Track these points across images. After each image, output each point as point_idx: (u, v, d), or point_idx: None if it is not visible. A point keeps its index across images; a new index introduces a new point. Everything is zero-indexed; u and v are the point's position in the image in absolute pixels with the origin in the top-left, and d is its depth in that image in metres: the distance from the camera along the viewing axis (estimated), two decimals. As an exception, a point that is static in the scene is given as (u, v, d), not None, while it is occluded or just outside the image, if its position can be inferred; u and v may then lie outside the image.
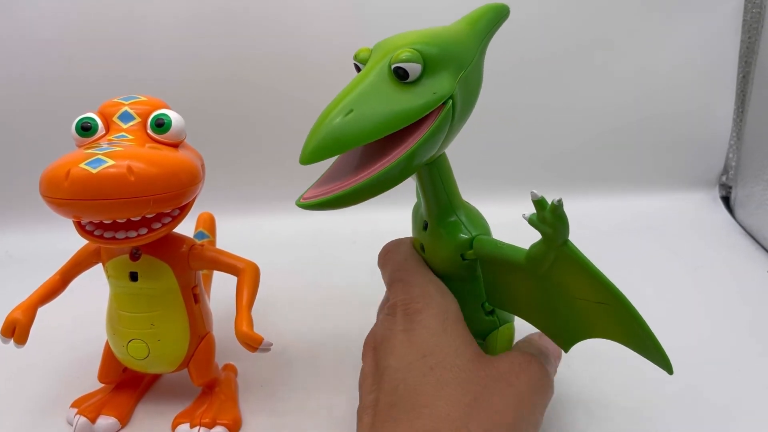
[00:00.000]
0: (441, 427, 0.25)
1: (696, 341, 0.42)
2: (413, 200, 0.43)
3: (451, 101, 0.26)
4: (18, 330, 0.33)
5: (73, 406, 0.36)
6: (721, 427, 0.34)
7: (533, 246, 0.27)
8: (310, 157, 0.24)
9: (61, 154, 0.28)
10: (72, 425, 0.35)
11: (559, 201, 0.24)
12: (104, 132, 0.31)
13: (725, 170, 0.71)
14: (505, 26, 0.31)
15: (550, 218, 0.25)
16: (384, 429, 0.26)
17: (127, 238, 0.30)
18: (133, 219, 0.30)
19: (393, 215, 0.55)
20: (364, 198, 0.25)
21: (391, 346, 0.29)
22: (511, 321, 0.34)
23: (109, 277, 0.34)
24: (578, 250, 0.26)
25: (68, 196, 0.27)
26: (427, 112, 0.25)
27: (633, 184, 0.70)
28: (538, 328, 0.32)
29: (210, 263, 0.35)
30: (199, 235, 0.45)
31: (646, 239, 0.61)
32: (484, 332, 0.34)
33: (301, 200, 0.25)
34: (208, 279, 0.45)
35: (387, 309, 0.31)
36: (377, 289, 0.35)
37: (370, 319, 0.35)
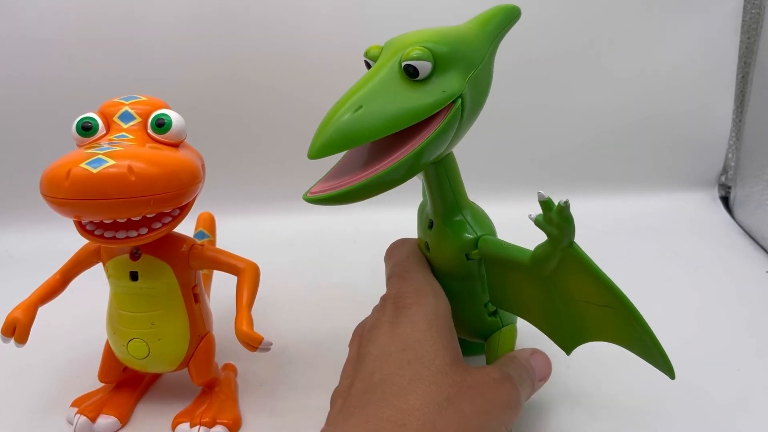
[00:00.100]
0: (408, 420, 0.25)
1: (695, 341, 0.42)
2: (415, 200, 0.43)
3: (460, 100, 0.26)
4: (18, 329, 0.33)
5: (73, 405, 0.37)
6: (721, 426, 0.34)
7: (538, 247, 0.27)
8: (318, 152, 0.24)
9: (61, 154, 0.28)
10: (72, 424, 0.35)
11: (566, 202, 0.24)
12: (105, 132, 0.31)
13: (724, 170, 0.71)
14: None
15: (556, 219, 0.25)
16: (352, 413, 0.26)
17: (127, 237, 0.30)
18: (133, 219, 0.30)
19: (394, 215, 0.55)
20: (371, 194, 0.25)
21: (375, 335, 0.29)
22: (514, 322, 0.34)
23: (109, 276, 0.34)
24: (584, 252, 0.26)
25: (69, 195, 0.27)
26: (436, 111, 0.25)
27: (632, 184, 0.70)
28: (540, 329, 0.32)
29: (210, 263, 0.35)
30: (199, 234, 0.45)
31: (646, 239, 0.61)
32: (487, 333, 0.34)
33: (308, 194, 0.26)
34: (208, 279, 0.45)
35: (380, 300, 0.32)
36: (377, 288, 0.35)
37: (370, 318, 0.35)
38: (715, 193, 0.71)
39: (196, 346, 0.36)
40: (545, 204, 0.25)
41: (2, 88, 0.66)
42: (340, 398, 0.28)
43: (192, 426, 0.35)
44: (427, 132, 0.25)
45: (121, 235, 0.30)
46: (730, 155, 0.71)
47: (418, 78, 0.25)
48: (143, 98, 0.33)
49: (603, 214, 0.66)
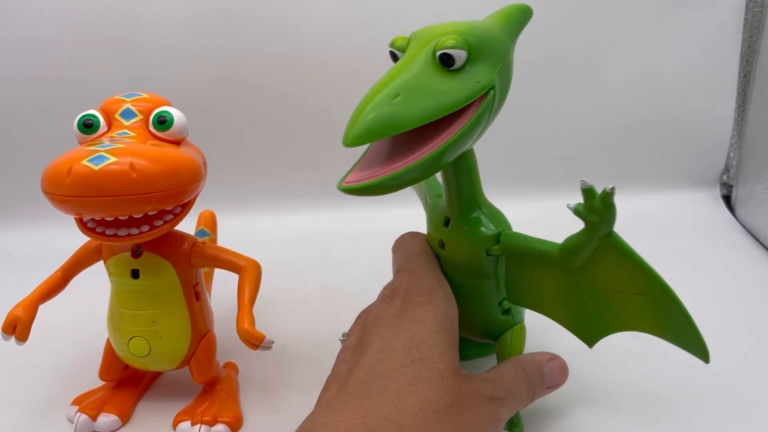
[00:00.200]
0: (405, 422, 0.24)
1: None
2: (414, 199, 0.43)
3: (492, 92, 0.26)
4: (19, 327, 0.33)
5: (74, 403, 0.36)
6: (723, 425, 0.34)
7: (571, 237, 0.27)
8: (356, 139, 0.23)
9: (61, 153, 0.28)
10: (73, 423, 0.35)
11: (612, 189, 0.24)
12: (106, 129, 0.31)
13: (726, 169, 0.71)
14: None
15: (599, 206, 0.25)
16: (350, 402, 0.25)
17: (129, 235, 0.30)
18: (135, 216, 0.30)
19: (394, 213, 0.55)
20: (406, 184, 0.25)
21: (381, 326, 0.29)
22: (522, 321, 0.34)
23: (110, 274, 0.34)
24: (623, 240, 0.26)
25: (70, 192, 0.27)
26: (472, 101, 0.25)
27: (634, 183, 0.70)
28: (561, 324, 0.32)
29: (211, 261, 0.35)
30: (200, 233, 0.45)
31: (647, 238, 0.60)
32: (498, 332, 0.33)
33: (343, 184, 0.25)
34: (209, 277, 0.45)
35: (389, 291, 0.31)
36: (378, 286, 0.35)
37: (371, 316, 0.35)
38: (717, 192, 0.71)
39: (197, 344, 0.36)
40: (588, 192, 0.25)
41: (2, 88, 0.66)
42: (336, 383, 0.28)
43: (193, 424, 0.34)
44: (462, 122, 0.25)
45: (122, 232, 0.30)
46: (731, 154, 0.71)
47: (453, 68, 0.25)
48: (145, 95, 0.33)
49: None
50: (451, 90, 0.25)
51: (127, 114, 0.32)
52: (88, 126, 0.31)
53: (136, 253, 0.33)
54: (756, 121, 0.65)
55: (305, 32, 0.66)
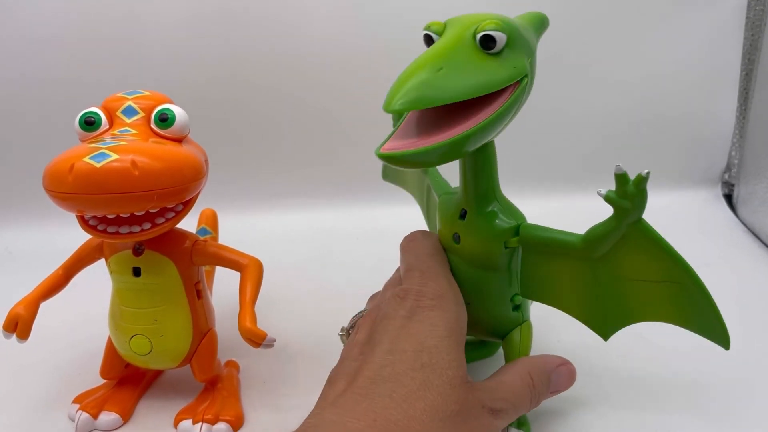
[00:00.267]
0: (412, 426, 0.24)
1: (698, 339, 0.41)
2: (414, 198, 0.44)
3: (526, 79, 0.26)
4: (20, 325, 0.33)
5: (75, 401, 0.36)
6: (724, 425, 0.34)
7: (597, 226, 0.28)
8: (400, 105, 0.23)
9: (61, 151, 0.28)
10: (74, 421, 0.35)
11: (647, 173, 0.25)
12: (108, 126, 0.31)
13: (728, 168, 0.71)
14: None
15: (633, 191, 0.26)
16: (359, 402, 0.25)
17: (130, 233, 0.30)
18: (136, 213, 0.30)
19: (395, 212, 0.55)
20: (437, 160, 0.25)
21: (391, 327, 0.29)
22: (529, 319, 0.34)
23: (111, 272, 0.34)
24: (651, 227, 0.27)
25: (72, 190, 0.27)
26: (511, 83, 0.26)
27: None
28: (577, 318, 0.32)
29: (213, 259, 0.35)
30: (201, 231, 0.45)
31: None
32: (506, 330, 0.33)
33: (381, 151, 0.25)
34: (211, 275, 0.45)
35: (399, 291, 0.30)
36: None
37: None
38: (719, 191, 0.71)
39: (199, 342, 0.36)
40: (622, 177, 0.26)
41: (2, 88, 0.66)
42: (344, 380, 0.27)
43: (194, 422, 0.34)
44: (495, 107, 0.25)
45: (124, 230, 0.30)
46: (733, 153, 0.71)
47: (492, 51, 0.25)
48: (146, 93, 0.33)
49: (606, 212, 0.65)
50: (491, 71, 0.25)
51: (129, 111, 0.31)
52: (89, 123, 0.31)
53: (137, 250, 0.33)
54: (758, 119, 0.65)
55: (305, 32, 0.66)
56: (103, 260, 0.35)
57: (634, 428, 0.34)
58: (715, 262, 0.56)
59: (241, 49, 0.66)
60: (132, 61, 0.66)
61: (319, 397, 0.28)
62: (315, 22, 0.66)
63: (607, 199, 0.27)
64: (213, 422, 0.34)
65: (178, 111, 0.32)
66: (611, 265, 0.29)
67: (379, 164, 0.45)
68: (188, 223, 0.35)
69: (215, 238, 0.46)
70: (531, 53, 0.27)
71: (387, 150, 0.25)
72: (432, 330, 0.28)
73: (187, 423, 0.35)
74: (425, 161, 0.25)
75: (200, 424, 0.34)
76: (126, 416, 0.36)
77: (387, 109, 0.24)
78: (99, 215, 0.30)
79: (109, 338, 0.36)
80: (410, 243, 0.34)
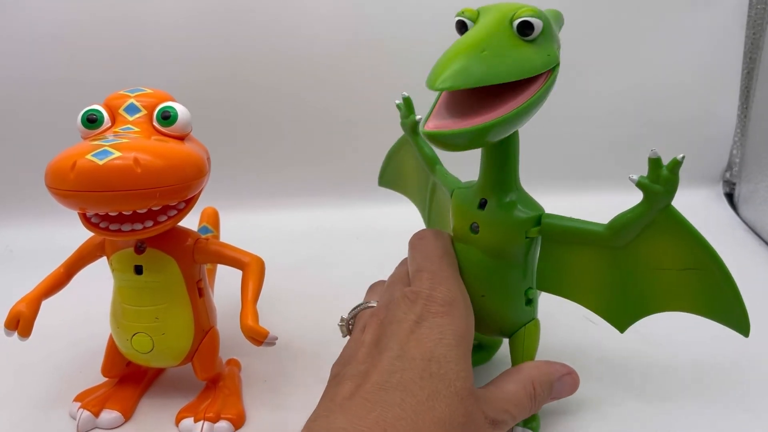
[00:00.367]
0: None
1: (699, 338, 0.41)
2: (412, 202, 0.44)
3: (557, 68, 0.27)
4: (22, 323, 0.33)
5: (76, 400, 0.36)
6: (726, 424, 0.34)
7: (624, 213, 0.28)
8: (444, 82, 0.24)
9: (62, 149, 0.28)
10: (75, 419, 0.35)
11: (682, 157, 0.26)
12: (110, 124, 0.31)
13: (729, 166, 0.71)
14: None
15: (666, 176, 0.26)
16: (370, 410, 0.25)
17: (132, 230, 0.30)
18: (138, 211, 0.30)
19: (395, 212, 0.55)
20: (469, 144, 0.25)
21: (401, 331, 0.28)
22: (536, 317, 0.34)
23: (113, 270, 0.34)
24: (680, 212, 0.27)
25: (74, 187, 0.27)
26: (545, 70, 0.26)
27: (636, 181, 0.70)
28: (593, 310, 0.32)
29: (215, 257, 0.35)
30: (202, 230, 0.45)
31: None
32: (516, 326, 0.33)
33: (425, 128, 0.25)
34: (212, 274, 0.45)
35: (409, 293, 0.30)
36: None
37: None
38: (720, 190, 0.71)
39: (201, 340, 0.36)
40: (655, 162, 0.26)
41: (3, 85, 0.65)
42: (351, 382, 0.27)
43: (196, 421, 0.34)
44: (529, 94, 0.26)
45: (126, 227, 0.30)
46: (734, 151, 0.71)
47: (528, 38, 0.26)
48: (149, 91, 0.33)
49: (607, 211, 0.65)
50: (529, 56, 0.25)
51: (131, 109, 0.31)
52: (91, 121, 0.31)
53: (139, 248, 0.33)
54: (759, 118, 0.65)
55: (305, 32, 0.66)
56: (104, 258, 0.35)
57: (634, 429, 0.34)
58: (716, 261, 0.56)
59: (242, 48, 0.66)
60: (132, 60, 0.66)
61: (324, 396, 0.28)
62: (315, 22, 0.66)
63: (639, 184, 0.27)
64: (214, 421, 0.34)
65: (180, 109, 0.32)
66: (634, 255, 0.29)
67: (379, 163, 0.45)
68: (190, 222, 0.35)
69: (217, 237, 0.46)
70: (559, 45, 0.28)
71: (434, 128, 0.25)
72: (441, 338, 0.28)
73: (188, 421, 0.35)
74: (473, 141, 0.25)
75: (201, 422, 0.34)
76: (127, 414, 0.36)
77: (432, 86, 0.24)
78: (101, 213, 0.30)
79: (111, 336, 0.36)
80: (420, 241, 0.33)
